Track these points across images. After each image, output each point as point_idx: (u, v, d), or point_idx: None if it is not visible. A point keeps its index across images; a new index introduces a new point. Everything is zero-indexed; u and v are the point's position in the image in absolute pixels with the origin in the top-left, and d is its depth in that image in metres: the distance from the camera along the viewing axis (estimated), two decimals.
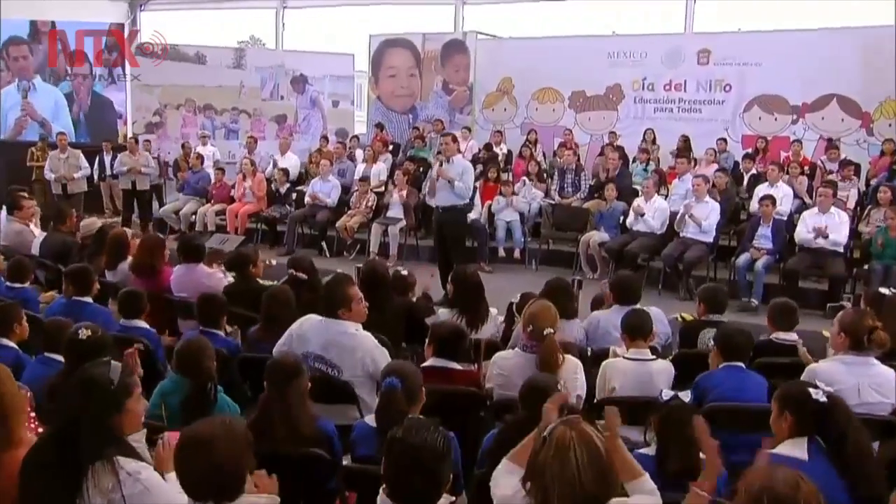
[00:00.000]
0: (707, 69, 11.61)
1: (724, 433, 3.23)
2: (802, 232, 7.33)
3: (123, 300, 4.14)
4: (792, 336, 4.09)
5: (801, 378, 3.42)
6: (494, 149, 11.60)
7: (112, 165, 11.11)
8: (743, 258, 7.43)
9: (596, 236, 8.33)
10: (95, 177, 11.49)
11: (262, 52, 15.24)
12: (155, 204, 11.33)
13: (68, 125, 12.82)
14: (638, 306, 4.24)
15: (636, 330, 3.68)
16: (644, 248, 7.89)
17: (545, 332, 3.30)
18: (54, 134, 11.65)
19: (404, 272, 5.00)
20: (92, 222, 5.92)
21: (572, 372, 3.36)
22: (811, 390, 2.66)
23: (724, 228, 8.23)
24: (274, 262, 7.15)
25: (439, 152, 9.69)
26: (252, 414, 2.86)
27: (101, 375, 2.29)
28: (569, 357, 3.43)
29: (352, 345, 3.60)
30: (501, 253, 9.10)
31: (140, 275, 4.93)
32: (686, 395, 2.70)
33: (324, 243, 9.72)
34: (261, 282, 4.94)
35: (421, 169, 10.50)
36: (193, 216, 10.26)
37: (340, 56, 14.67)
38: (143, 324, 4.05)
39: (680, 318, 5.38)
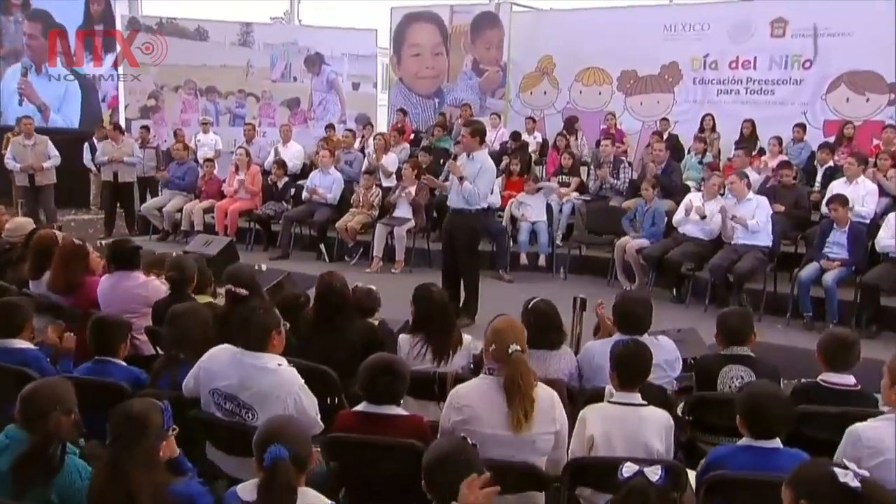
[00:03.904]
0: (782, 42, 10.91)
1: None
2: (885, 238, 6.70)
3: None
4: (847, 379, 3.55)
5: (843, 440, 2.90)
6: (526, 137, 11.11)
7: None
8: (808, 270, 6.78)
9: (633, 241, 7.76)
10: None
11: (272, 28, 14.97)
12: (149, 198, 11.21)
13: (72, 116, 12.85)
14: (646, 336, 3.76)
15: (629, 371, 3.17)
16: (688, 255, 7.33)
17: (510, 350, 2.98)
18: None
19: (368, 288, 4.59)
20: (20, 224, 5.70)
21: (548, 404, 3.06)
22: (837, 471, 2.14)
23: (790, 234, 7.66)
24: (265, 268, 6.91)
25: (457, 142, 9.27)
26: None
27: None
28: (541, 386, 3.08)
29: (271, 383, 3.24)
30: (524, 260, 8.67)
31: (57, 291, 4.68)
32: (655, 472, 2.20)
33: (322, 246, 9.40)
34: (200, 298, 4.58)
35: (441, 161, 10.02)
36: (179, 213, 10.06)
37: (361, 32, 14.28)
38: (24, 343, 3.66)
39: None
